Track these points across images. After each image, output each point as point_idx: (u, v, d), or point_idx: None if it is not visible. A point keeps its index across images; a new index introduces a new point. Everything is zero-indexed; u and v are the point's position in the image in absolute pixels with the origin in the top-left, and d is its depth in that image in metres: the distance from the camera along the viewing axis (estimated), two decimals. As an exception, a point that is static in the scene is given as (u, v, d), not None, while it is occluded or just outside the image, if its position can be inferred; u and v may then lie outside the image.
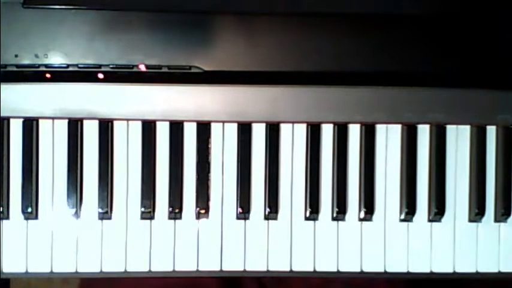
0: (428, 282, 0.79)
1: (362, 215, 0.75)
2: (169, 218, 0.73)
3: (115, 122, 0.73)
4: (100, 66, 0.73)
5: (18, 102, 0.72)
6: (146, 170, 0.73)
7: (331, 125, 0.74)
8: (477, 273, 0.75)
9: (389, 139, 0.75)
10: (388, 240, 0.75)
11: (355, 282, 0.87)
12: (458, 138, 0.76)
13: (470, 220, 0.76)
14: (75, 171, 0.73)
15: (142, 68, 0.73)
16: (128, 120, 0.73)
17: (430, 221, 0.75)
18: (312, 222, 0.74)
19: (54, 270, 0.73)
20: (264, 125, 0.74)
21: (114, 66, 0.73)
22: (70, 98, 0.72)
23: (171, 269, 0.73)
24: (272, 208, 0.74)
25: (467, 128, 0.76)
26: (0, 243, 0.72)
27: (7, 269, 0.72)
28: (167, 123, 0.73)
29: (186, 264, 0.73)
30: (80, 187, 0.73)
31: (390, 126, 0.75)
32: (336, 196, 0.74)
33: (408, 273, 0.74)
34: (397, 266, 0.75)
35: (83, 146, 0.73)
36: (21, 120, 0.72)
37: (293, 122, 0.74)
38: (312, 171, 0.74)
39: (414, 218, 0.75)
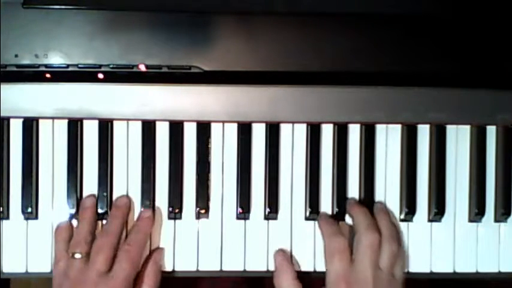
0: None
1: (362, 215, 0.74)
2: (169, 218, 0.73)
3: (115, 122, 0.73)
4: (100, 66, 0.73)
5: (18, 102, 0.72)
6: (146, 170, 0.73)
7: (331, 125, 0.74)
8: (477, 273, 0.75)
9: (389, 139, 0.75)
10: (388, 240, 0.75)
11: None
12: (458, 138, 0.76)
13: (470, 220, 0.76)
14: (75, 171, 0.73)
15: (142, 68, 0.73)
16: (128, 120, 0.73)
17: (430, 221, 0.75)
18: (312, 222, 0.74)
19: (54, 270, 0.73)
20: (264, 125, 0.74)
21: (114, 66, 0.73)
22: (70, 98, 0.72)
23: (170, 269, 0.73)
24: (272, 208, 0.73)
25: (467, 128, 0.76)
26: (0, 243, 0.72)
27: (7, 269, 0.72)
28: (167, 123, 0.73)
29: (186, 264, 0.73)
30: (80, 187, 0.73)
31: (390, 126, 0.75)
32: (336, 196, 0.74)
33: (408, 273, 0.74)
34: (397, 266, 0.75)
35: (83, 146, 0.73)
36: (21, 120, 0.72)
37: (293, 122, 0.74)
38: (312, 171, 0.74)
39: (414, 218, 0.75)
